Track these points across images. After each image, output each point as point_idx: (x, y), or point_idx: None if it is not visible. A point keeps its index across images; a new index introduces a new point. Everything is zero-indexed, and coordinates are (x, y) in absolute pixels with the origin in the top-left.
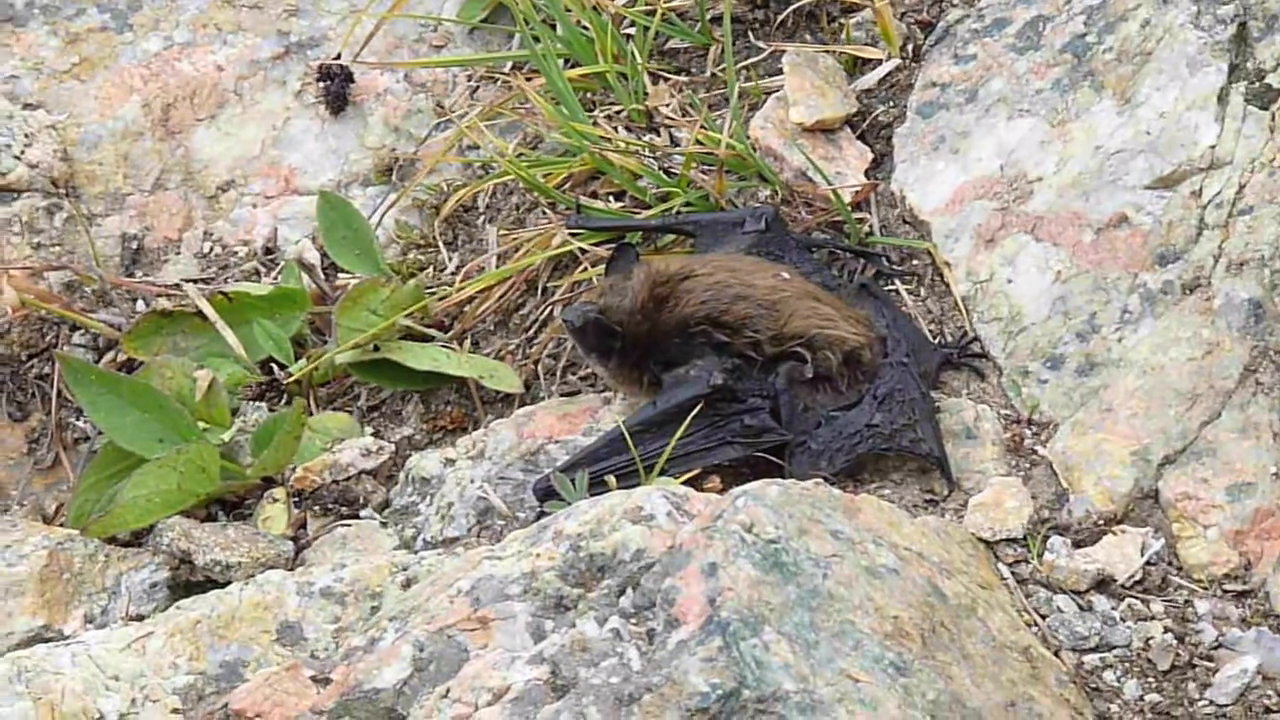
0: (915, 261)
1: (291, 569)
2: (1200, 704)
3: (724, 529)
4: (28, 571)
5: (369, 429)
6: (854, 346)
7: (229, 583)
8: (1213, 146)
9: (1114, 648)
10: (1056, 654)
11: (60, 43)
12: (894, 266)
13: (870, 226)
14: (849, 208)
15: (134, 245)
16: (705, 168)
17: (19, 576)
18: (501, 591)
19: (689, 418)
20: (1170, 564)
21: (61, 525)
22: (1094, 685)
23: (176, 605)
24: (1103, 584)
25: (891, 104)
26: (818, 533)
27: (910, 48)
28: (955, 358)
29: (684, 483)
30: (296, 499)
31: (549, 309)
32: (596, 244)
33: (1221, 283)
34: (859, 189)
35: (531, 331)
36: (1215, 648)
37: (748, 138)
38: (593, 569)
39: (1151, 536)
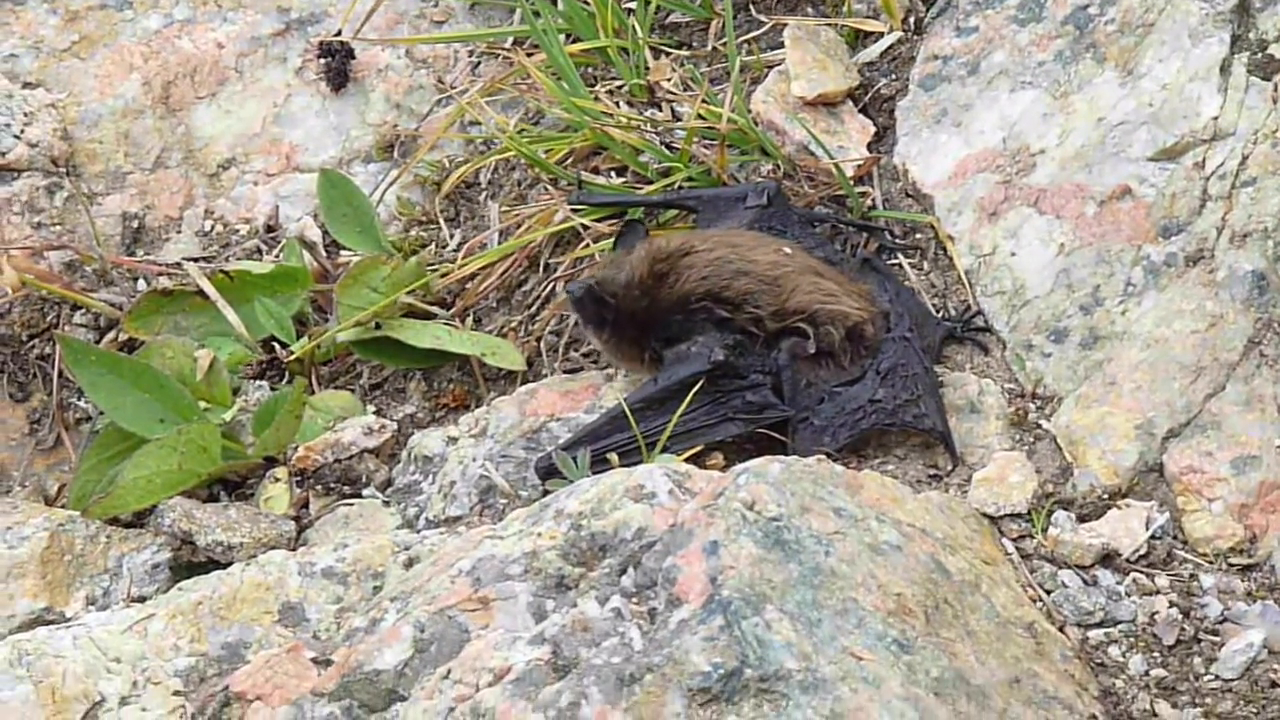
0: (918, 235)
1: (293, 549)
2: (1206, 678)
3: (726, 507)
4: (29, 553)
5: (371, 407)
6: (856, 321)
7: (231, 563)
8: (1215, 118)
9: (1119, 623)
10: (1061, 629)
11: (60, 21)
12: (897, 240)
13: (873, 200)
14: (851, 182)
15: (135, 224)
16: (707, 142)
17: (20, 558)
18: (502, 571)
19: (690, 394)
20: (1175, 538)
21: (63, 506)
22: (1099, 660)
23: (178, 586)
24: (1107, 558)
25: (893, 77)
26: (820, 510)
27: (912, 20)
28: (958, 332)
29: (686, 460)
30: (298, 478)
31: (551, 285)
32: (598, 220)
33: (1225, 255)
34: (861, 163)
35: (534, 308)
36: (1220, 622)
37: (749, 112)
38: (594, 548)
39: (1156, 510)
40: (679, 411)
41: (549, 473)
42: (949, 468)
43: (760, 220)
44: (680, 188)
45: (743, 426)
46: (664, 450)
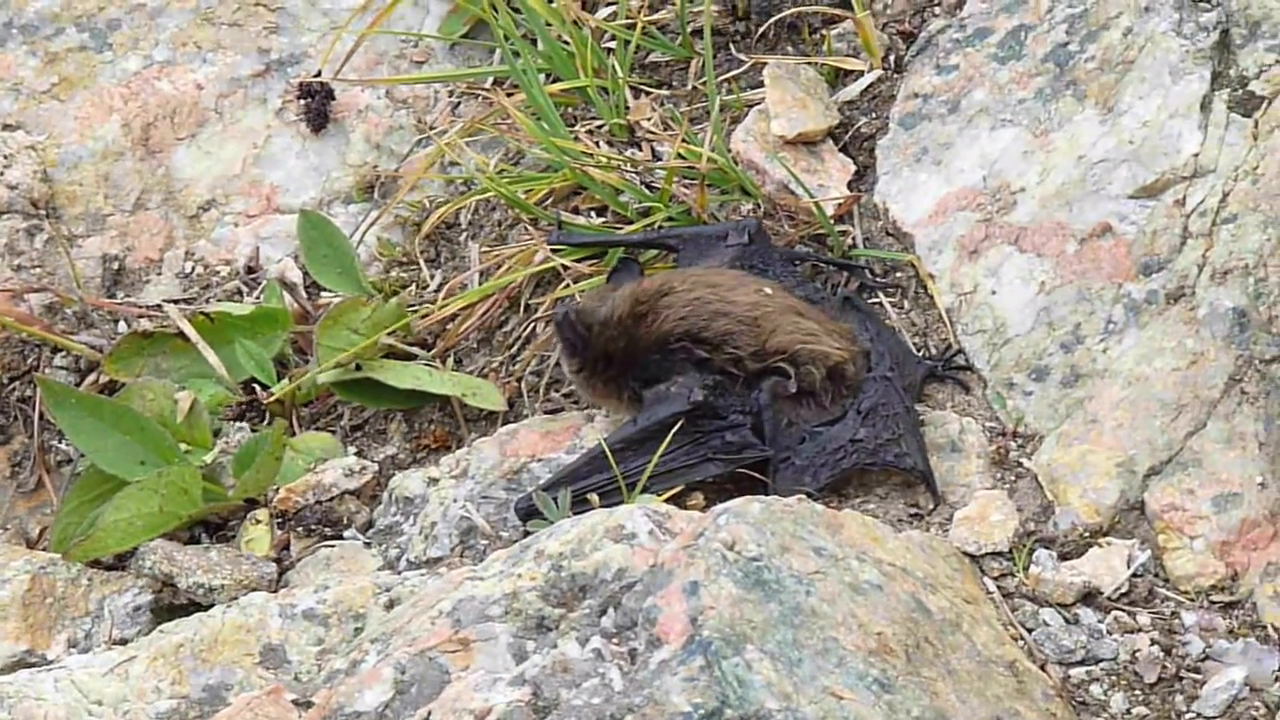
0: (899, 274)
1: (275, 591)
2: (1188, 716)
3: (706, 547)
4: (11, 596)
5: (352, 449)
6: (838, 361)
7: (212, 605)
8: (1196, 155)
9: (1100, 661)
10: (1043, 668)
11: (39, 63)
12: (878, 279)
13: (853, 239)
14: (831, 220)
15: (115, 266)
16: (687, 182)
17: (2, 601)
18: (483, 613)
19: (670, 435)
20: (1157, 576)
21: (44, 549)
22: (1081, 699)
23: (159, 629)
24: (1089, 597)
25: (874, 115)
26: (800, 549)
27: (892, 59)
28: (939, 370)
29: (666, 500)
30: (279, 520)
31: (531, 326)
32: (579, 260)
33: (1206, 292)
34: (841, 201)
35: (514, 349)
36: (1202, 660)
37: (729, 151)
38: (574, 589)
39: (1138, 548)
40: (659, 452)
41: (529, 514)
42: (930, 507)
43: (741, 258)
44: (660, 227)
45: (723, 466)
46: (644, 490)
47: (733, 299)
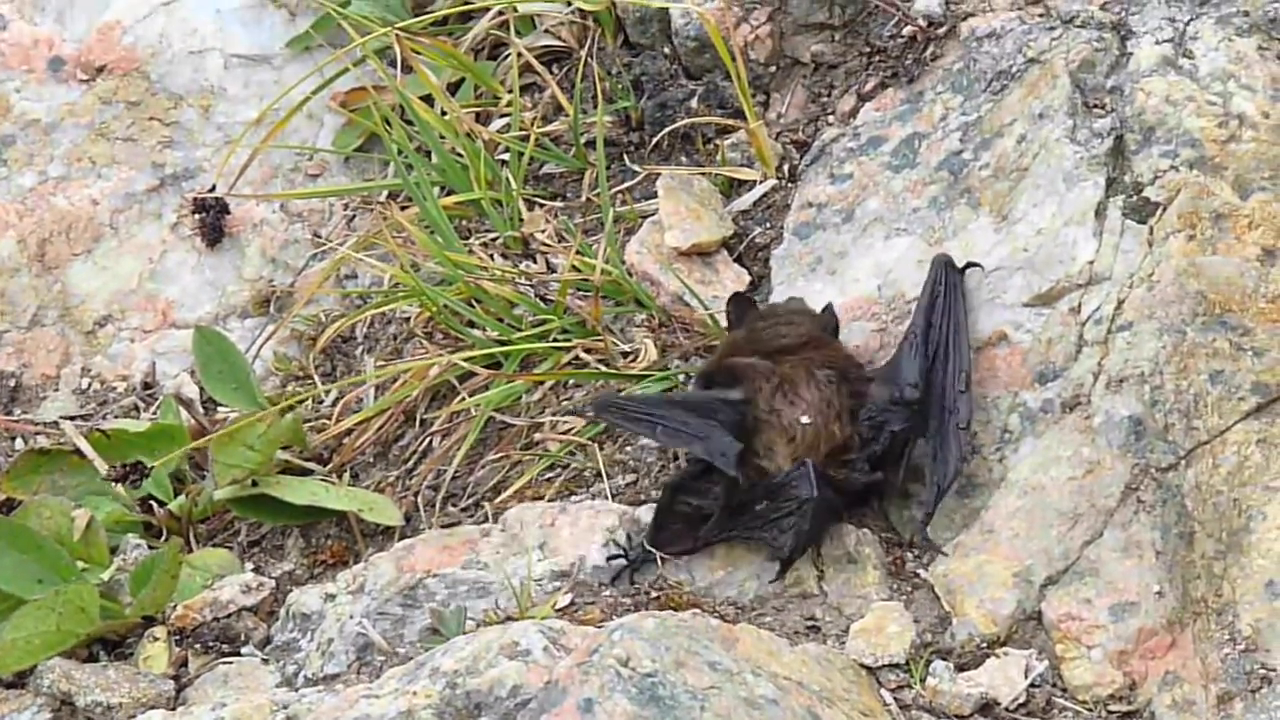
0: None
1: (173, 708)
2: None
3: (600, 663)
4: None
5: (249, 565)
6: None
7: None
8: (1091, 262)
9: None
10: None
11: None
12: None
13: None
14: (726, 332)
15: (11, 383)
16: (582, 294)
17: None
18: None
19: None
20: (1054, 686)
21: None
22: None
23: None
24: (986, 708)
25: (768, 225)
26: (695, 665)
27: (786, 168)
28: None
29: (559, 611)
30: (177, 637)
31: (427, 440)
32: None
33: (1102, 400)
34: None
35: (410, 463)
36: None
37: (623, 263)
38: (469, 706)
39: (1035, 658)
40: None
41: (604, 408)
42: (826, 619)
43: None
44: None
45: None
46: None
47: (796, 396)
